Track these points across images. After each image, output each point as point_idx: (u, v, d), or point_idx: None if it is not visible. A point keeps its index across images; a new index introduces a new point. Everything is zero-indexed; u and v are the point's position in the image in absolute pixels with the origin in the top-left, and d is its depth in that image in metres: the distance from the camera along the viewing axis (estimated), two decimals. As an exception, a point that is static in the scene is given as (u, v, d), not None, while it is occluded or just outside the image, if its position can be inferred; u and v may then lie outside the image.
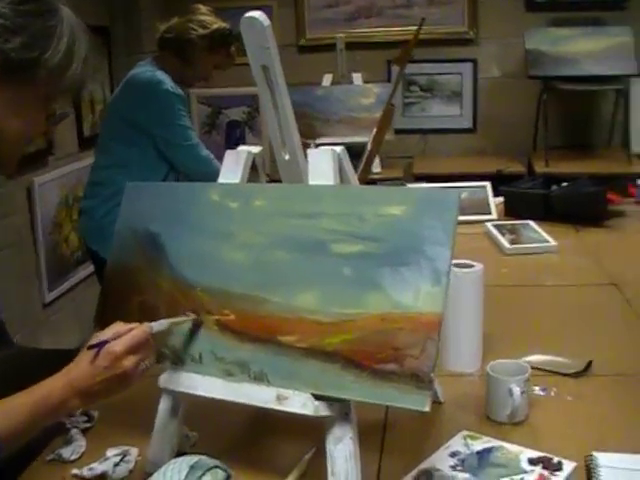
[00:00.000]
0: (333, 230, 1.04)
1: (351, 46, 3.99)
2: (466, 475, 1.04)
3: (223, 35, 2.53)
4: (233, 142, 4.34)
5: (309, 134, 3.62)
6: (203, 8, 2.57)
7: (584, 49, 3.77)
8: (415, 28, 2.16)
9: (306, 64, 4.16)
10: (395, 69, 4.04)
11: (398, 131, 3.97)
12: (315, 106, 3.85)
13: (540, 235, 2.23)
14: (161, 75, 2.48)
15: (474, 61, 4.25)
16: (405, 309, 0.95)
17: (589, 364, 1.39)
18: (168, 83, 2.46)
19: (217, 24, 2.53)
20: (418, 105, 4.41)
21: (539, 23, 3.98)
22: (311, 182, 1.11)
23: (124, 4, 4.23)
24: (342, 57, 3.91)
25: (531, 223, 2.32)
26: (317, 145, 2.53)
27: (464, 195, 2.47)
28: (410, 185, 2.65)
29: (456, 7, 4.24)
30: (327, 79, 3.94)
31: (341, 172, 1.13)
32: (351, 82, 3.88)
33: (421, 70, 4.29)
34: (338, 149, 1.12)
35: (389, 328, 0.95)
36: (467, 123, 4.37)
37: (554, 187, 2.53)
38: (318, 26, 4.49)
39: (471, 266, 1.40)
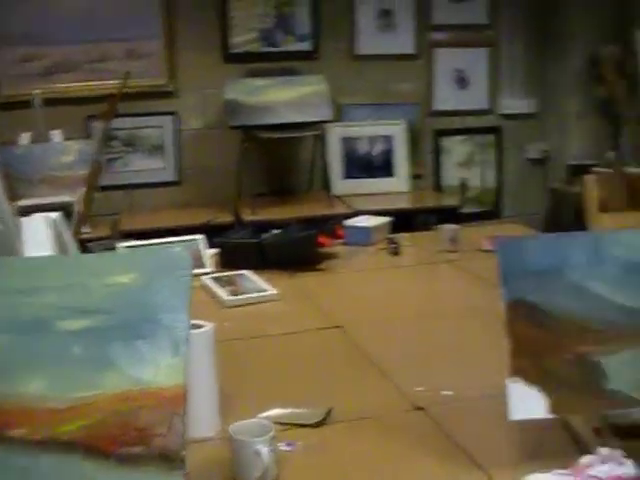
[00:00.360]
0: (56, 305, 0.95)
1: (49, 102, 3.83)
2: None
3: None
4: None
5: (12, 196, 3.41)
6: None
7: (281, 98, 3.95)
8: (116, 82, 2.14)
9: (2, 122, 3.94)
10: (96, 125, 3.94)
11: (103, 187, 3.88)
12: (15, 166, 3.62)
13: (257, 284, 2.23)
14: None
15: (174, 113, 4.27)
16: (145, 385, 0.89)
17: (329, 412, 1.41)
18: None
19: None
20: (121, 160, 4.33)
21: (237, 74, 4.10)
22: (27, 253, 1.02)
23: None
24: (40, 114, 3.72)
25: (246, 273, 2.32)
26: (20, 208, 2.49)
27: (177, 250, 2.42)
28: (119, 244, 2.54)
29: (154, 60, 4.24)
30: (25, 137, 3.75)
31: (59, 239, 1.05)
32: (50, 140, 3.72)
33: (122, 125, 4.22)
34: (54, 215, 1.04)
35: (130, 407, 0.89)
36: (171, 176, 4.36)
37: (265, 235, 2.57)
38: (13, 82, 4.27)
39: (199, 326, 1.35)
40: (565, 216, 4.01)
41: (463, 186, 4.53)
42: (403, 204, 4.01)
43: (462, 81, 4.50)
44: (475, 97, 4.54)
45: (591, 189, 2.91)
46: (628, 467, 1.15)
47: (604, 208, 2.85)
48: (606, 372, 1.22)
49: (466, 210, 4.17)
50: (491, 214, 4.60)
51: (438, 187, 4.49)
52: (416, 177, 4.32)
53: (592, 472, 1.15)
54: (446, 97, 4.47)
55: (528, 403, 1.22)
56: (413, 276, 2.47)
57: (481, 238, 2.56)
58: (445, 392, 1.53)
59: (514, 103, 4.53)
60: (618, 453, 1.18)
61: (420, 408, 1.48)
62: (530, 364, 1.23)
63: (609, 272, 1.23)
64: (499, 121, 4.54)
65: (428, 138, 4.46)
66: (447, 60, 4.44)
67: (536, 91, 4.54)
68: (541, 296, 1.23)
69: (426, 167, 4.46)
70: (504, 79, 4.52)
